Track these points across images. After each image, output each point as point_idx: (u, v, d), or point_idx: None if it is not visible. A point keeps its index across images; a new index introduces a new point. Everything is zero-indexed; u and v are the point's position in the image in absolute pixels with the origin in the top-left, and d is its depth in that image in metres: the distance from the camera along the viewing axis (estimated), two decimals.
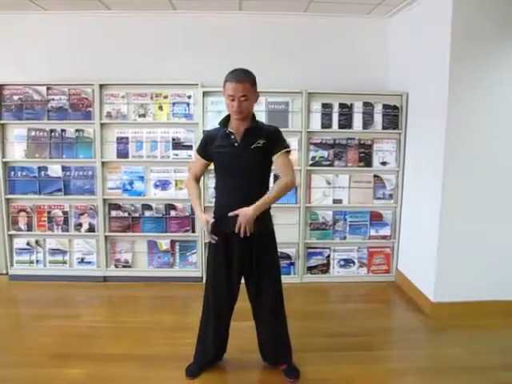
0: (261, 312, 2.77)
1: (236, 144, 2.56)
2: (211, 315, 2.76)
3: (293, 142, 4.22)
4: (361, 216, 4.51)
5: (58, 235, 4.47)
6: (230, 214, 2.49)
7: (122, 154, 4.35)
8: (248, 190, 2.56)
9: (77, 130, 4.31)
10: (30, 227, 4.45)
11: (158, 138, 4.34)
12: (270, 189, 2.65)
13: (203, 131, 4.12)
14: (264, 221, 2.64)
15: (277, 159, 2.59)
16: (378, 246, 4.58)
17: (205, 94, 4.24)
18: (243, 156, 2.54)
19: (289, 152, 2.63)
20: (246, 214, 2.46)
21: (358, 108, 4.36)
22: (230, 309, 2.79)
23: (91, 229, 4.44)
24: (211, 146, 2.62)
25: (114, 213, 4.43)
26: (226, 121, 2.62)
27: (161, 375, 2.83)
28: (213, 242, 2.62)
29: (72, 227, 4.45)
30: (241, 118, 2.51)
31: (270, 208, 2.66)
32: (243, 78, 2.45)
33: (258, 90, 2.59)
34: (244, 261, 2.65)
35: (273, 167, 2.69)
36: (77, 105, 4.28)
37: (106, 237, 4.45)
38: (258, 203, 2.49)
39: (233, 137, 2.56)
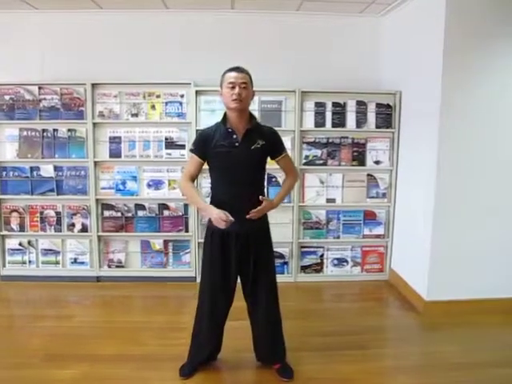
0: (256, 311, 2.77)
1: (237, 144, 2.55)
2: (206, 315, 2.75)
3: (286, 141, 4.19)
4: (354, 215, 4.51)
5: (50, 235, 4.45)
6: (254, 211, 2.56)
7: (115, 153, 4.33)
8: (246, 190, 2.58)
9: (69, 130, 4.28)
10: (22, 227, 4.42)
11: (150, 137, 4.33)
12: (265, 187, 2.76)
13: (196, 130, 4.12)
14: (261, 219, 2.66)
15: (280, 161, 2.74)
16: (372, 244, 4.58)
17: (198, 92, 4.23)
18: (243, 156, 2.54)
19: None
20: (271, 203, 2.65)
21: (351, 107, 4.36)
22: (226, 309, 2.78)
23: (84, 229, 4.42)
24: (209, 146, 2.58)
25: (106, 213, 4.41)
26: (225, 119, 2.60)
27: (154, 375, 2.82)
28: (229, 224, 2.47)
29: (65, 227, 4.42)
30: (239, 106, 2.49)
31: None
32: (242, 69, 2.54)
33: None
34: (241, 260, 2.65)
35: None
36: (69, 104, 4.26)
37: (99, 237, 4.43)
38: (277, 197, 2.73)
39: (234, 136, 2.55)
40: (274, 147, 2.68)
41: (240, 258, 2.65)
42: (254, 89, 2.60)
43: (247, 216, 2.53)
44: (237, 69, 2.52)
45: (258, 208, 2.55)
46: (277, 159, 2.73)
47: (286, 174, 2.82)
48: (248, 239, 2.62)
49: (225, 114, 2.61)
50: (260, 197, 2.56)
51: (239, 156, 2.54)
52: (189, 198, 2.85)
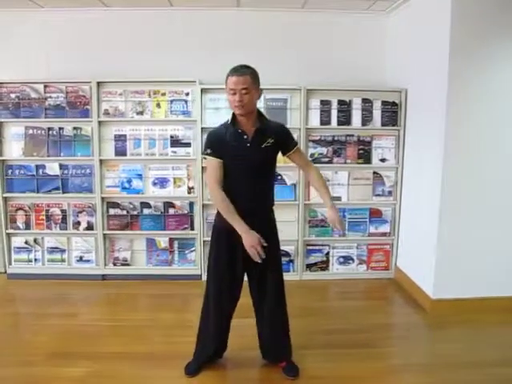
0: (263, 309, 2.76)
1: (248, 144, 2.54)
2: (212, 313, 2.74)
3: None
4: (360, 213, 4.50)
5: (56, 233, 4.46)
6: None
7: (120, 151, 4.33)
8: (259, 189, 2.60)
9: (74, 128, 4.29)
10: (28, 226, 4.43)
11: (156, 135, 4.32)
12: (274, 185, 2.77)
13: (202, 128, 4.13)
14: (271, 219, 2.67)
15: (293, 155, 2.71)
16: (378, 242, 4.57)
17: (203, 90, 4.22)
18: (255, 156, 2.53)
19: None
20: (332, 208, 2.65)
21: (356, 105, 4.34)
22: (233, 306, 2.77)
23: (90, 227, 4.43)
24: (225, 146, 2.53)
25: (112, 211, 4.41)
26: (234, 120, 2.56)
27: (160, 373, 2.82)
28: (260, 259, 2.50)
29: (70, 225, 4.43)
30: (243, 112, 2.47)
31: (273, 205, 2.73)
32: (243, 71, 2.44)
33: None
34: (248, 258, 2.62)
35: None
36: (74, 102, 4.26)
37: (104, 235, 4.44)
38: (331, 202, 2.66)
39: (245, 137, 2.53)
40: (285, 142, 2.66)
41: (247, 257, 2.62)
42: (260, 86, 2.57)
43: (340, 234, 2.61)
44: (238, 71, 2.43)
45: (338, 220, 2.64)
46: (289, 154, 2.69)
47: (304, 168, 2.80)
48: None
49: (233, 115, 2.57)
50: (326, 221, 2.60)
51: (251, 156, 2.53)
52: (226, 214, 2.55)
